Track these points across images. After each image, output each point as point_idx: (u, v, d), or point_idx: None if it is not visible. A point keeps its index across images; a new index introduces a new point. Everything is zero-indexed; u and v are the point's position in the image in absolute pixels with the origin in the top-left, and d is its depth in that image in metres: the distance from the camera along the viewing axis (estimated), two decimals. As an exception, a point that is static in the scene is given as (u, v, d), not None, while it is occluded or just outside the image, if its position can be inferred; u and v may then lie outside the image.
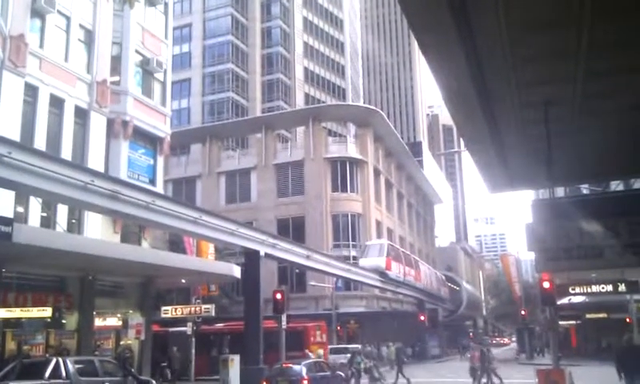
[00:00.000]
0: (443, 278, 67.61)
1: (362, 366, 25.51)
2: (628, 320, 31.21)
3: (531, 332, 49.94)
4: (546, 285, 20.39)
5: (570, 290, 29.09)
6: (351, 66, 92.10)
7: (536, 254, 11.12)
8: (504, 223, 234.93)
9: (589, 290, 28.41)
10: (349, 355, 28.06)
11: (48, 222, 20.77)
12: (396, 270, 43.11)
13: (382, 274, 41.22)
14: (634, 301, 28.69)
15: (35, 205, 20.09)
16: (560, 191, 26.41)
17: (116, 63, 25.59)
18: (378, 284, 44.70)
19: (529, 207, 11.77)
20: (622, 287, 25.99)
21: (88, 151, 23.08)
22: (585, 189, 22.27)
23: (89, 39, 24.07)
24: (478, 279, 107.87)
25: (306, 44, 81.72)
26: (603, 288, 27.07)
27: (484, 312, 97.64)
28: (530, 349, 45.97)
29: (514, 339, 76.43)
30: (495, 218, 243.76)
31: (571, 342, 43.64)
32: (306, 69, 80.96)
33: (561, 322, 35.09)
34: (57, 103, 22.03)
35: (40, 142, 20.49)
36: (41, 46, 21.59)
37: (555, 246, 10.66)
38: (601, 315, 38.74)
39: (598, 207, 11.35)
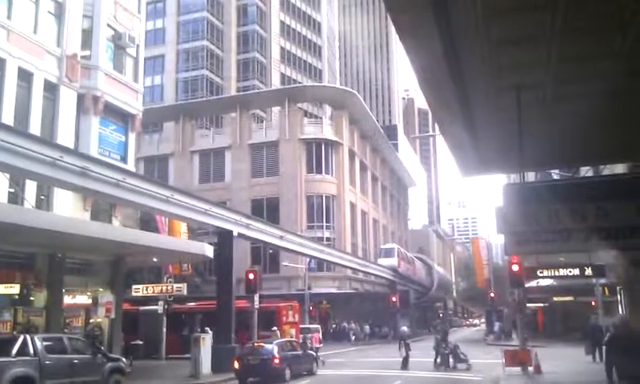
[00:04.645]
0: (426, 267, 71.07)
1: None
2: (593, 303, 31.96)
3: (500, 314, 50.85)
4: (515, 267, 20.82)
5: (538, 273, 29.60)
6: (328, 46, 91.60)
7: (505, 237, 11.30)
8: (476, 207, 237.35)
9: (556, 274, 28.96)
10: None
11: (16, 198, 20.31)
12: (404, 267, 56.23)
13: (394, 270, 53.13)
14: (599, 284, 29.33)
15: (2, 180, 19.62)
16: (531, 176, 26.87)
17: (87, 37, 24.89)
18: (352, 265, 45.58)
19: (500, 191, 11.93)
20: (588, 271, 26.52)
21: (57, 127, 22.52)
22: (555, 174, 22.64)
23: (59, 11, 23.36)
24: (449, 262, 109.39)
25: (282, 23, 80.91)
26: (570, 272, 27.60)
27: (454, 294, 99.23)
28: (498, 330, 46.85)
29: (482, 321, 77.88)
30: (467, 202, 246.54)
31: (538, 323, 44.58)
32: (282, 48, 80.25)
33: (529, 305, 35.77)
34: (25, 77, 21.40)
35: (7, 117, 19.92)
36: (8, 16, 20.88)
37: (524, 230, 10.83)
38: (567, 298, 39.60)
39: (567, 192, 11.55)
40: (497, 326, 46.29)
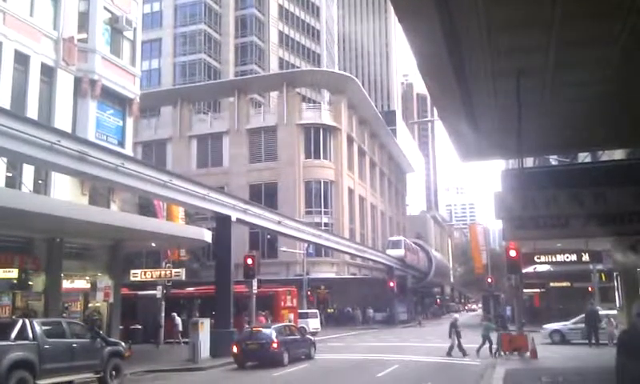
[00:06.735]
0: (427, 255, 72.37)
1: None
2: (590, 289, 32.15)
3: (497, 299, 51.06)
4: (513, 253, 20.86)
5: (536, 259, 29.73)
6: (327, 31, 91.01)
7: (504, 222, 11.28)
8: (474, 193, 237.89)
9: (554, 259, 29.08)
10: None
11: (13, 182, 20.26)
12: (410, 258, 59.70)
13: (401, 260, 56.16)
14: (596, 270, 29.48)
15: (0, 165, 19.56)
16: (529, 162, 26.85)
17: (84, 20, 24.69)
18: (350, 250, 45.67)
19: (498, 177, 11.91)
20: (585, 257, 26.67)
21: (54, 110, 22.40)
22: (553, 160, 22.63)
23: (55, -6, 23.18)
24: (447, 247, 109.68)
25: (280, 7, 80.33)
26: (567, 257, 27.74)
27: (451, 279, 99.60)
28: (494, 316, 47.00)
29: (480, 306, 78.22)
30: (465, 188, 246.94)
31: (534, 308, 44.79)
32: (280, 32, 79.76)
33: (525, 290, 35.94)
34: (21, 60, 21.26)
35: (4, 100, 19.80)
36: (4, -1, 20.74)
37: (522, 215, 10.83)
38: (564, 284, 39.79)
39: (566, 178, 11.55)
40: (508, 310, 46.12)
